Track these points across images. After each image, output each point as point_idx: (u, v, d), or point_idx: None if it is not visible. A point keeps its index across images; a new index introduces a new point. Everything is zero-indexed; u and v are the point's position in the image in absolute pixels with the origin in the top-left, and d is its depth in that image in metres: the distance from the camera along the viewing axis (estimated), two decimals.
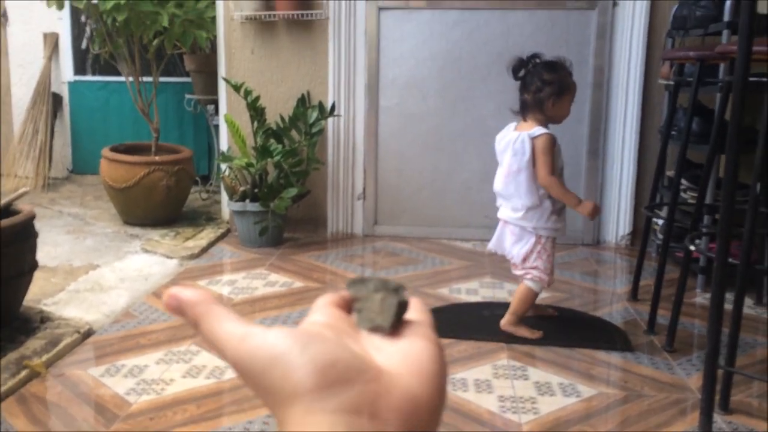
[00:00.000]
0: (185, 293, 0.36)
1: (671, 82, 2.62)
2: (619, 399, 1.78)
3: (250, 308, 2.45)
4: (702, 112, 2.74)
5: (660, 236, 2.91)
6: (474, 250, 3.31)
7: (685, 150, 2.32)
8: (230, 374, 1.90)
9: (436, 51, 3.41)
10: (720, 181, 2.63)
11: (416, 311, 0.37)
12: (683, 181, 2.75)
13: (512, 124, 2.18)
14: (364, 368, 0.31)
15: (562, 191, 2.09)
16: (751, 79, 1.56)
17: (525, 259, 2.14)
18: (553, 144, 2.07)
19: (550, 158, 2.06)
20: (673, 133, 2.73)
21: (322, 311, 0.37)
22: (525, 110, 2.14)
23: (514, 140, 2.09)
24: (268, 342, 0.32)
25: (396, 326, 0.36)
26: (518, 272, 2.18)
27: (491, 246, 2.24)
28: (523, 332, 2.18)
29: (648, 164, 3.28)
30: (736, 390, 1.80)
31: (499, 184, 2.18)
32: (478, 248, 3.34)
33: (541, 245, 2.12)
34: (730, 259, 1.59)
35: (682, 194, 2.78)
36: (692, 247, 1.97)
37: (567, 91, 2.09)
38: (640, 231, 2.90)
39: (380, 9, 3.38)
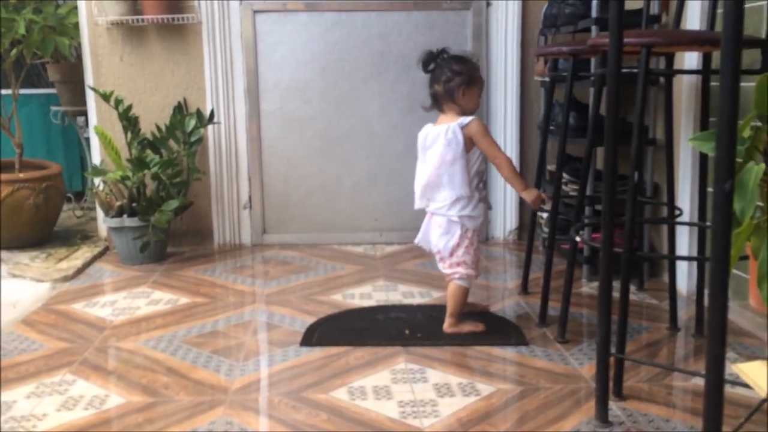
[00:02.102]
0: None
1: (546, 79, 2.68)
2: (516, 394, 1.78)
3: (132, 329, 2.29)
4: (577, 107, 2.82)
5: (545, 229, 2.98)
6: (365, 253, 3.27)
7: (563, 144, 2.37)
8: (112, 403, 1.76)
9: (316, 53, 3.35)
10: (598, 174, 2.72)
11: None
12: (564, 174, 2.82)
13: (429, 124, 2.19)
14: None
15: (512, 172, 2.12)
16: (623, 70, 1.59)
17: (452, 253, 2.14)
18: (485, 126, 2.13)
19: (490, 137, 2.11)
20: (552, 128, 2.80)
21: None
22: (438, 103, 2.17)
23: (445, 131, 2.10)
24: None
25: None
26: (446, 270, 2.17)
27: (417, 240, 2.23)
28: (468, 328, 2.19)
29: (530, 160, 3.36)
30: (628, 376, 1.84)
31: (425, 177, 2.15)
32: (370, 252, 3.30)
33: (468, 238, 2.14)
34: (615, 248, 1.62)
35: (564, 187, 2.85)
36: (577, 238, 2.01)
37: (475, 82, 2.13)
38: (527, 225, 2.95)
39: (255, 12, 3.28)
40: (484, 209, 2.16)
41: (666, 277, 2.47)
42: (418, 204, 2.21)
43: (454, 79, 2.11)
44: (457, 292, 2.17)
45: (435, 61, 2.16)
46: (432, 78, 2.17)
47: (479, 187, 2.15)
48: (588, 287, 2.67)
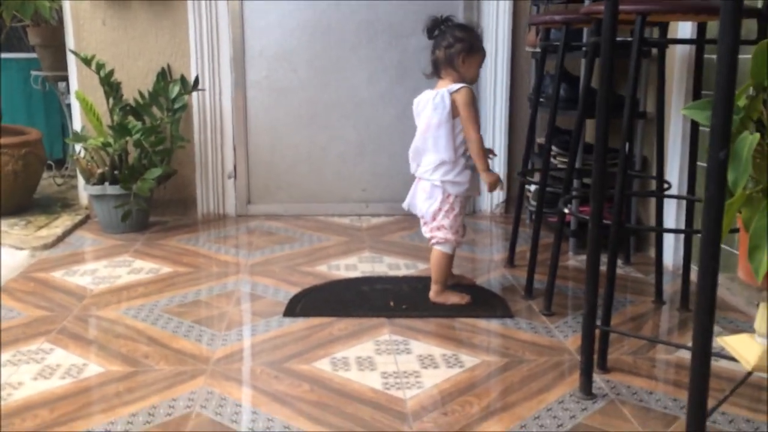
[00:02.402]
0: None
1: (538, 50, 2.64)
2: (501, 366, 1.77)
3: (112, 298, 2.25)
4: (568, 79, 2.79)
5: (533, 202, 2.95)
6: (351, 225, 3.24)
7: (554, 116, 2.34)
8: (90, 372, 1.73)
9: (303, 21, 3.28)
10: (587, 146, 2.69)
11: None
12: (553, 147, 2.79)
13: (427, 90, 2.17)
14: None
15: (479, 151, 2.10)
16: (617, 39, 1.55)
17: (434, 217, 2.15)
18: (473, 97, 2.11)
19: (473, 112, 2.09)
20: (542, 100, 2.76)
21: None
22: (438, 68, 2.16)
23: (434, 96, 2.10)
24: None
25: None
26: (427, 234, 2.19)
27: (405, 204, 2.25)
28: (453, 299, 2.19)
29: (519, 132, 3.32)
30: (612, 348, 1.83)
31: (414, 141, 2.18)
32: (356, 223, 3.27)
33: (450, 203, 2.13)
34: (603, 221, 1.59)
35: (553, 160, 2.82)
36: (566, 210, 1.98)
37: (476, 51, 2.11)
38: (514, 198, 2.93)
39: None
40: (471, 176, 2.14)
41: (652, 251, 2.45)
42: (412, 168, 2.22)
43: (455, 46, 2.10)
44: (438, 258, 2.17)
45: (439, 28, 2.15)
46: (434, 44, 2.16)
47: (466, 154, 2.12)
48: (574, 260, 2.66)
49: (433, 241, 2.17)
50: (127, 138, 2.96)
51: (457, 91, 2.08)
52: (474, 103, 2.10)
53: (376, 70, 3.34)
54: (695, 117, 1.26)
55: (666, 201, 2.40)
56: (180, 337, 1.96)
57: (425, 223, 2.20)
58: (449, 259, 2.19)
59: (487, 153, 2.15)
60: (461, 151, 2.12)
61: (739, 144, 1.16)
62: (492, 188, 2.13)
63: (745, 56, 1.39)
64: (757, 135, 1.16)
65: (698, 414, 1.13)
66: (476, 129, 2.09)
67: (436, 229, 2.16)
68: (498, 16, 3.24)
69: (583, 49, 2.48)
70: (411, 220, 3.20)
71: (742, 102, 1.23)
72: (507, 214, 3.38)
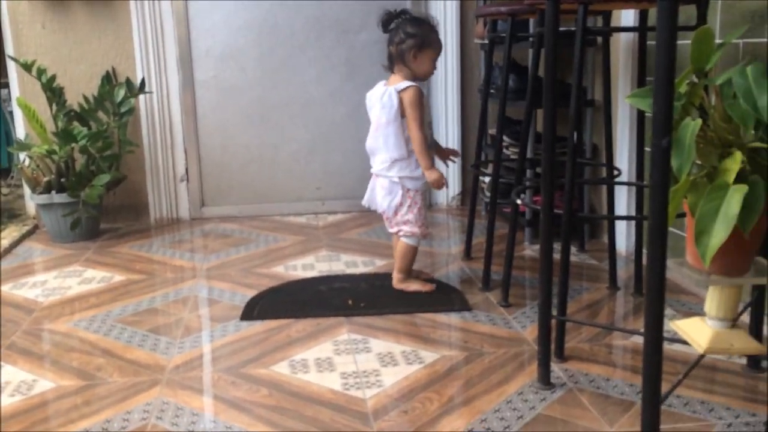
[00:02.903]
0: None
1: (486, 41, 2.65)
2: (460, 360, 1.77)
3: (63, 310, 2.19)
4: (517, 69, 2.80)
5: (488, 194, 2.97)
6: (308, 224, 3.21)
7: (503, 107, 2.35)
8: (41, 388, 1.68)
9: (250, 19, 3.24)
10: (539, 136, 2.71)
11: None
12: (505, 137, 2.81)
13: (381, 82, 2.18)
14: None
15: (422, 150, 2.11)
16: (561, 29, 1.56)
17: (396, 212, 2.17)
18: (420, 96, 2.10)
19: (419, 111, 2.09)
20: (492, 91, 2.77)
21: None
22: (391, 63, 2.17)
23: (382, 94, 2.11)
24: None
25: None
26: (392, 229, 2.21)
27: (364, 201, 2.26)
28: (415, 286, 2.23)
29: (471, 124, 3.33)
30: (569, 336, 1.85)
31: (369, 139, 2.18)
32: (312, 222, 3.24)
33: (411, 198, 2.16)
34: (555, 210, 1.60)
35: (505, 151, 2.84)
36: (519, 201, 1.99)
37: (428, 46, 2.11)
38: (470, 190, 2.94)
39: None
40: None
41: (606, 238, 2.49)
42: (371, 163, 2.23)
43: (406, 42, 2.11)
44: (405, 249, 2.21)
45: (394, 21, 2.14)
46: (389, 38, 2.16)
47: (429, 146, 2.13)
48: (530, 250, 2.68)
49: (401, 233, 2.19)
50: (73, 144, 2.88)
51: (404, 89, 2.09)
52: (420, 101, 2.10)
53: (325, 67, 3.31)
54: (638, 105, 1.27)
55: (617, 187, 2.43)
56: (134, 347, 1.91)
57: (388, 219, 2.22)
58: (415, 250, 2.23)
59: (430, 152, 2.14)
60: (410, 145, 2.12)
61: (681, 130, 1.18)
62: (435, 186, 2.13)
63: (686, 42, 1.41)
64: (699, 121, 1.18)
65: (653, 399, 1.14)
66: (419, 127, 2.09)
67: (402, 223, 2.18)
68: (446, 9, 3.25)
69: (530, 39, 2.49)
70: (368, 216, 3.19)
71: (683, 88, 1.24)
72: (463, 207, 3.39)
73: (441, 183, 2.12)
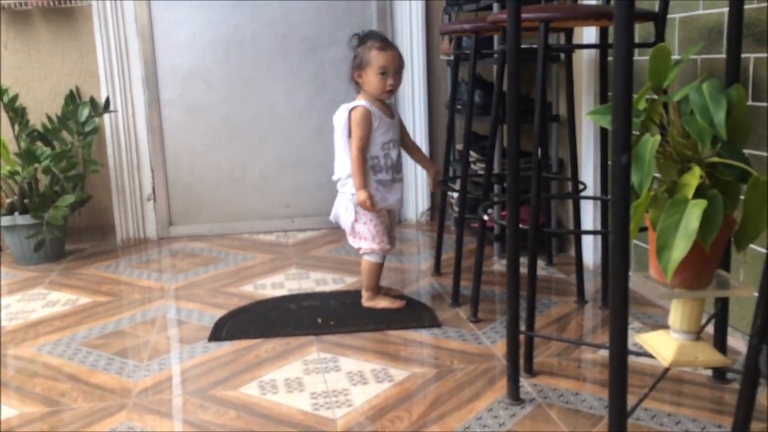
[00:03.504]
0: None
1: (451, 57, 2.67)
2: (431, 377, 1.77)
3: (27, 334, 2.15)
4: (483, 85, 2.83)
5: (456, 209, 2.98)
6: (277, 242, 3.20)
7: (469, 123, 2.36)
8: (4, 415, 1.63)
9: (216, 37, 3.23)
10: (505, 151, 2.73)
11: None
12: (472, 153, 2.82)
13: (344, 104, 2.19)
14: None
15: (357, 169, 2.10)
16: (522, 46, 1.58)
17: (352, 228, 2.18)
18: (365, 117, 2.10)
19: (360, 131, 2.09)
20: (458, 107, 2.79)
21: None
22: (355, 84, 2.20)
23: (337, 112, 2.14)
24: None
25: None
26: (353, 244, 2.22)
27: (331, 216, 2.26)
28: (384, 304, 2.23)
29: (439, 139, 3.35)
30: (538, 351, 1.86)
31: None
32: (282, 240, 3.23)
33: (364, 215, 2.16)
34: (521, 225, 1.61)
35: (473, 166, 2.86)
36: (485, 217, 2.00)
37: (367, 64, 2.10)
38: (438, 206, 2.95)
39: None
40: (383, 189, 2.15)
41: (573, 251, 2.51)
42: None
43: (352, 62, 2.14)
44: (367, 267, 2.22)
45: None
46: None
47: (378, 167, 2.14)
48: (499, 265, 2.69)
49: (361, 251, 2.21)
50: (36, 165, 2.84)
51: (353, 108, 2.11)
52: (363, 121, 2.08)
53: (293, 85, 3.31)
54: (599, 122, 1.28)
55: (583, 201, 2.46)
56: (99, 371, 1.88)
57: (349, 234, 2.22)
58: (378, 266, 2.22)
59: (365, 171, 2.10)
60: (369, 163, 2.13)
61: (641, 146, 1.19)
62: (361, 207, 2.11)
63: (646, 58, 1.43)
64: (658, 137, 1.19)
65: (619, 413, 1.14)
66: (357, 146, 2.08)
67: (360, 239, 2.18)
68: (411, 25, 3.27)
69: (495, 56, 2.52)
70: (337, 233, 3.18)
71: (642, 105, 1.26)
72: (432, 222, 3.40)
73: (366, 205, 2.09)
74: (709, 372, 1.70)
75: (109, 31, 3.08)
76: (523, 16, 1.55)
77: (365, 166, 2.12)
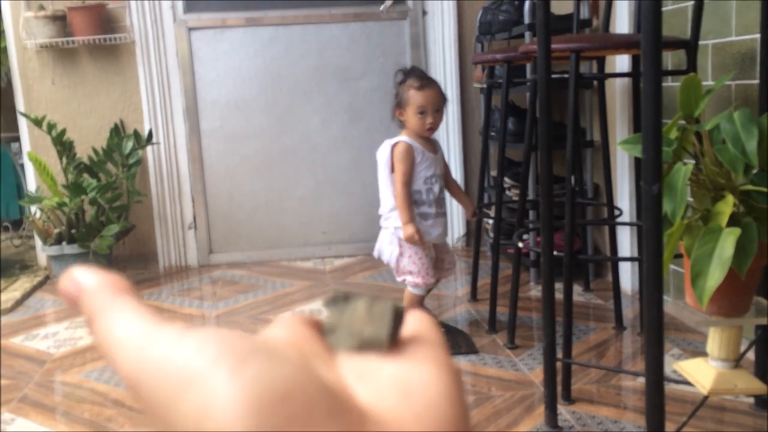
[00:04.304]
0: (86, 277, 0.25)
1: (484, 85, 2.71)
2: (469, 404, 1.78)
3: (75, 361, 2.22)
4: (516, 112, 2.85)
5: (491, 235, 2.99)
6: (315, 268, 3.24)
7: (503, 149, 2.39)
8: None
9: (254, 69, 3.31)
10: (539, 177, 2.75)
11: (419, 325, 0.26)
12: (506, 179, 2.84)
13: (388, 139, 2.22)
14: (340, 407, 0.20)
15: (402, 204, 2.09)
16: (554, 76, 1.61)
17: (397, 263, 2.16)
18: (407, 152, 2.10)
19: (403, 166, 2.10)
20: (492, 134, 2.82)
21: (286, 326, 0.25)
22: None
23: (381, 148, 2.16)
24: (180, 353, 0.21)
25: (392, 342, 0.24)
26: (399, 278, 2.21)
27: (374, 252, 2.25)
28: None
29: (473, 166, 3.37)
30: (576, 378, 1.86)
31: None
32: (319, 266, 3.27)
33: (410, 249, 2.13)
34: (555, 251, 1.63)
35: (507, 192, 2.87)
36: (520, 243, 2.02)
37: (406, 102, 2.11)
38: (474, 232, 2.96)
39: (190, 29, 3.23)
40: (426, 223, 2.14)
41: (611, 277, 2.50)
42: None
43: (394, 101, 2.16)
44: (409, 298, 2.20)
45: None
46: None
47: (421, 202, 2.14)
48: (536, 290, 2.69)
49: (406, 283, 2.18)
50: (83, 196, 2.94)
51: (395, 144, 2.12)
52: (405, 157, 2.09)
53: (329, 114, 3.37)
54: (630, 151, 1.30)
55: (619, 227, 2.46)
56: None
57: (394, 269, 2.20)
58: (419, 299, 2.21)
59: (410, 205, 2.10)
60: (413, 198, 2.13)
61: (674, 175, 1.21)
62: (408, 241, 2.11)
63: (678, 84, 1.45)
64: (690, 165, 1.21)
65: None
66: (401, 181, 2.08)
67: (405, 273, 2.17)
68: (444, 55, 3.32)
69: (527, 83, 2.54)
70: (374, 260, 3.20)
71: (673, 134, 1.28)
72: (468, 248, 3.41)
73: (413, 240, 2.09)
74: (752, 399, 1.68)
75: (152, 66, 3.19)
76: (554, 46, 1.58)
77: (410, 200, 2.12)
